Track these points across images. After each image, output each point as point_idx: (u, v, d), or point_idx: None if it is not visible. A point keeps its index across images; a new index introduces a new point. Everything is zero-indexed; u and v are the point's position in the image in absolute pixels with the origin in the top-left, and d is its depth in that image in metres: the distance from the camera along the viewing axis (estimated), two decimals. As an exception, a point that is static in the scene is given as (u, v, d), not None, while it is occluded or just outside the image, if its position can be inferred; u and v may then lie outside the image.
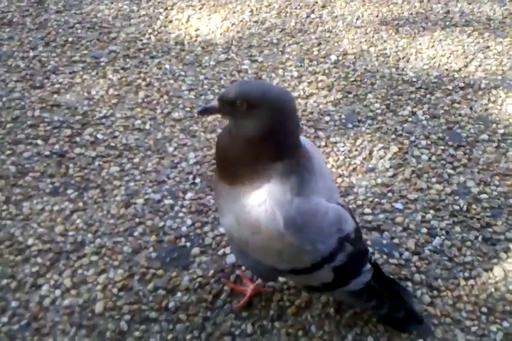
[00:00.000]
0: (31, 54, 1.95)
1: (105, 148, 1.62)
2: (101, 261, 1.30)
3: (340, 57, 2.06)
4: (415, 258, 1.38)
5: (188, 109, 1.79)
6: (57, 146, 1.60)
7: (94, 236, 1.36)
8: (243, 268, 1.30)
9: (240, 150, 0.88)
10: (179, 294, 1.24)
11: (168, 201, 1.48)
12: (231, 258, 1.33)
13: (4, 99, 1.74)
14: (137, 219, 1.42)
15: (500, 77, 2.03)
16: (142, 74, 1.91)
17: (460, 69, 2.06)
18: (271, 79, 1.93)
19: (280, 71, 1.97)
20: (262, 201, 0.88)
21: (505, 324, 1.25)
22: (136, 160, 1.60)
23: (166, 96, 1.83)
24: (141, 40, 2.07)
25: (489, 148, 1.73)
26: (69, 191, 1.48)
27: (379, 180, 1.59)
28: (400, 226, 1.46)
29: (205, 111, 0.93)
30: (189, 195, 1.50)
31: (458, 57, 2.12)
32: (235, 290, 1.25)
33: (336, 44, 2.13)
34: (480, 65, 2.09)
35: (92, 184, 1.51)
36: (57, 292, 1.23)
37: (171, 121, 1.74)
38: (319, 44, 2.12)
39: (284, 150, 0.88)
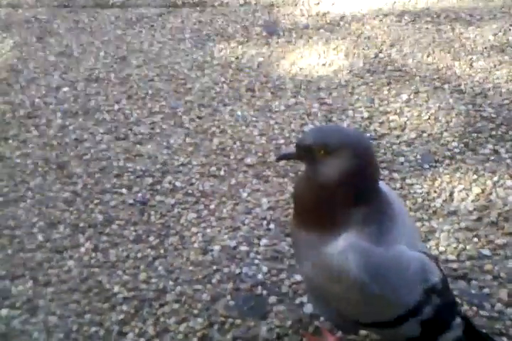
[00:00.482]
0: (116, 107, 2.12)
1: (183, 195, 1.69)
2: (182, 309, 1.33)
3: (411, 96, 2.03)
4: (509, 310, 1.28)
5: (260, 154, 1.83)
6: (139, 194, 1.70)
7: (175, 283, 1.41)
8: (322, 319, 1.27)
9: (317, 196, 0.88)
10: (258, 345, 1.23)
11: (243, 247, 1.50)
12: (309, 308, 1.30)
13: (92, 150, 1.90)
14: (215, 266, 1.44)
15: None
16: (216, 122, 2.00)
17: (545, 102, 1.94)
18: (341, 121, 1.94)
19: (350, 112, 1.98)
20: (341, 249, 0.87)
21: None
22: (212, 206, 1.65)
23: (238, 143, 1.89)
24: (214, 89, 2.19)
25: None
26: (151, 238, 1.55)
27: (462, 224, 1.51)
28: (490, 275, 1.36)
29: (284, 158, 0.97)
30: (264, 241, 1.51)
31: (541, 89, 2.00)
32: (313, 343, 1.22)
33: (407, 83, 2.11)
34: None
35: (172, 231, 1.57)
36: (142, 340, 1.27)
37: (244, 166, 1.79)
38: (389, 83, 2.11)
39: (363, 195, 0.88)
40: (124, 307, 1.35)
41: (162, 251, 1.51)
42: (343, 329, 1.15)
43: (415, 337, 0.97)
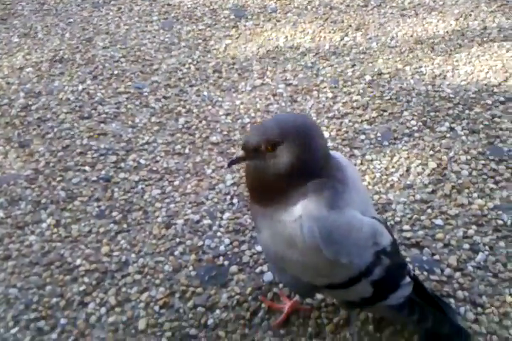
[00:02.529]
0: (80, 87, 2.10)
1: (147, 172, 1.70)
2: (143, 279, 1.35)
3: (374, 77, 2.08)
4: (458, 274, 1.34)
5: (225, 132, 1.85)
6: (103, 172, 1.70)
7: (137, 256, 1.42)
8: (281, 285, 1.31)
9: (271, 181, 0.91)
10: (218, 311, 1.26)
11: (206, 221, 1.52)
12: (268, 276, 1.34)
13: (55, 129, 1.88)
14: (177, 239, 1.47)
15: (543, 89, 1.97)
16: (182, 102, 2.01)
17: (500, 84, 2.02)
18: (306, 101, 1.97)
19: (315, 93, 2.02)
20: (297, 217, 0.90)
21: (559, 344, 1.18)
22: (176, 182, 1.66)
23: (204, 122, 1.91)
24: (181, 70, 2.19)
25: (535, 161, 1.67)
26: (114, 213, 1.55)
27: (418, 197, 1.57)
28: (441, 243, 1.43)
29: (234, 163, 0.97)
30: (227, 214, 1.54)
31: (497, 72, 2.08)
32: (272, 308, 1.26)
33: (370, 65, 2.15)
34: (521, 78, 2.04)
35: (136, 206, 1.58)
36: (103, 310, 1.28)
37: (209, 144, 1.81)
38: (353, 65, 2.15)
39: (316, 171, 0.91)
40: (86, 279, 1.36)
41: (125, 225, 1.52)
42: (300, 293, 1.19)
43: (367, 296, 1.02)
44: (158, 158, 1.76)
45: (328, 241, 0.90)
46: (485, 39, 2.28)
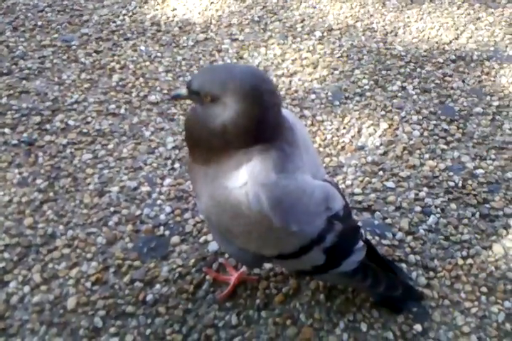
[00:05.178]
0: (-2, 39, 1.84)
1: (77, 135, 1.52)
2: (73, 253, 1.21)
3: (325, 33, 1.96)
4: (409, 238, 1.31)
5: (165, 91, 1.68)
6: (25, 135, 1.50)
7: (66, 227, 1.27)
8: (226, 255, 1.22)
9: (209, 137, 0.80)
10: (158, 286, 1.16)
11: (145, 188, 1.38)
12: (213, 246, 1.24)
13: (-32, 87, 1.64)
14: (112, 208, 1.32)
15: (492, 48, 1.94)
16: (116, 57, 1.81)
17: (451, 42, 1.96)
18: (253, 58, 1.83)
19: (262, 49, 1.87)
20: (242, 183, 0.79)
21: (507, 304, 1.18)
22: (111, 146, 1.50)
23: (141, 79, 1.73)
24: (114, 22, 1.96)
25: (484, 121, 1.65)
26: (38, 181, 1.38)
27: (369, 159, 1.50)
28: (393, 206, 1.38)
29: (176, 97, 0.87)
30: (167, 181, 1.41)
31: (448, 30, 2.02)
32: (217, 280, 1.17)
33: (320, 20, 2.03)
34: (471, 37, 1.99)
35: (64, 173, 1.41)
36: (26, 288, 1.14)
37: (147, 104, 1.64)
38: (303, 20, 2.02)
39: (264, 132, 0.80)
40: (6, 255, 1.20)
41: (51, 194, 1.35)
42: (247, 264, 1.10)
43: (320, 264, 0.94)
44: (89, 119, 1.58)
45: (277, 210, 0.81)
46: (437, -5, 2.21)
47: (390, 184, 1.44)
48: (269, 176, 0.80)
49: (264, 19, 2.02)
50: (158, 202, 1.35)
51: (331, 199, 0.90)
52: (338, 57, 1.86)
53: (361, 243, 1.02)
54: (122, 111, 1.61)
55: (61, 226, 1.27)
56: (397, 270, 1.14)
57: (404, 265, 1.24)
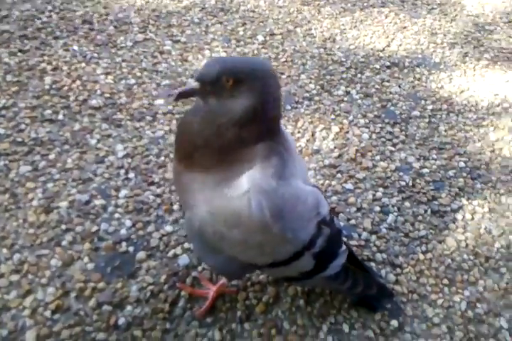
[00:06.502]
0: None
1: (10, 145, 1.34)
2: (24, 280, 1.06)
3: (267, 38, 1.96)
4: (374, 237, 1.34)
5: (107, 95, 1.56)
6: None
7: (11, 251, 1.11)
8: (200, 268, 1.15)
9: (220, 132, 0.75)
10: (129, 307, 1.05)
11: (98, 201, 1.26)
12: (184, 260, 1.17)
13: None
14: (63, 226, 1.18)
15: (420, 56, 2.08)
16: (46, 57, 1.63)
17: (384, 49, 2.07)
18: (198, 61, 1.77)
19: (207, 52, 1.82)
20: (244, 190, 0.76)
21: (466, 293, 1.26)
22: (52, 156, 1.35)
23: (78, 82, 1.58)
24: (40, 19, 1.78)
25: (422, 123, 1.75)
26: (-31, 199, 1.19)
27: (326, 162, 1.52)
28: (354, 207, 1.41)
29: (184, 95, 0.77)
30: (123, 192, 1.29)
31: (380, 37, 2.13)
32: (194, 295, 1.09)
33: (261, 24, 2.02)
34: (401, 45, 2.12)
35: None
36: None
37: (88, 109, 1.50)
38: (244, 24, 2.00)
39: (269, 129, 0.78)
40: None
41: (-12, 213, 1.17)
42: (230, 275, 1.04)
43: (308, 270, 0.93)
44: (22, 127, 1.40)
45: (276, 217, 0.78)
46: (365, 4, 2.32)
47: (349, 186, 1.47)
48: (270, 183, 0.77)
49: (204, 21, 1.97)
50: (116, 215, 1.24)
51: (320, 204, 0.90)
52: (283, 61, 1.86)
53: (344, 246, 1.02)
54: (60, 117, 1.46)
55: (5, 250, 1.11)
56: (370, 269, 1.17)
57: (373, 264, 1.27)
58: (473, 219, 1.45)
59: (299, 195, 0.83)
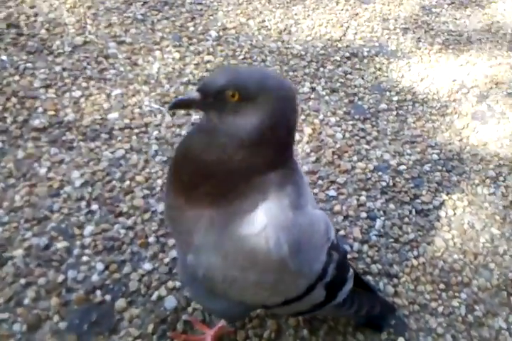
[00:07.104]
0: None
1: None
2: (-15, 355, 0.89)
3: (220, 33, 1.80)
4: (365, 247, 1.28)
5: (51, 112, 1.35)
6: None
7: (-38, 319, 0.93)
8: (190, 309, 1.03)
9: (229, 156, 0.63)
10: (118, 370, 0.92)
11: (60, 244, 1.09)
12: (170, 302, 1.04)
13: None
14: (22, 280, 1.01)
15: (377, 44, 2.02)
16: (-32, 72, 1.39)
17: (340, 39, 1.98)
18: (149, 64, 1.59)
19: (157, 53, 1.64)
20: (261, 227, 0.66)
21: (463, 295, 1.24)
22: (-5, 193, 1.15)
23: (14, 99, 1.36)
24: (-48, 24, 1.51)
25: (391, 117, 1.70)
26: None
27: (305, 168, 1.43)
28: (341, 215, 1.34)
29: (181, 105, 0.66)
30: (88, 229, 1.13)
31: (335, 26, 2.03)
32: (189, 343, 0.97)
33: (211, 17, 1.86)
34: (356, 33, 2.04)
35: None
36: None
37: (31, 132, 1.30)
38: (193, 18, 1.82)
39: (284, 154, 0.68)
40: None
41: None
42: (232, 318, 0.94)
43: (320, 302, 0.84)
44: (-49, 160, 1.18)
45: (295, 252, 0.70)
46: (314, -9, 2.21)
47: (332, 192, 1.39)
48: (288, 216, 0.69)
49: (149, 17, 1.77)
50: (84, 258, 1.07)
51: (329, 228, 0.82)
52: (242, 58, 1.72)
53: (351, 270, 0.94)
54: (-2, 143, 1.25)
55: (-46, 320, 0.92)
56: (371, 286, 1.11)
57: (370, 277, 1.21)
58: (455, 214, 1.43)
59: (313, 223, 0.76)
